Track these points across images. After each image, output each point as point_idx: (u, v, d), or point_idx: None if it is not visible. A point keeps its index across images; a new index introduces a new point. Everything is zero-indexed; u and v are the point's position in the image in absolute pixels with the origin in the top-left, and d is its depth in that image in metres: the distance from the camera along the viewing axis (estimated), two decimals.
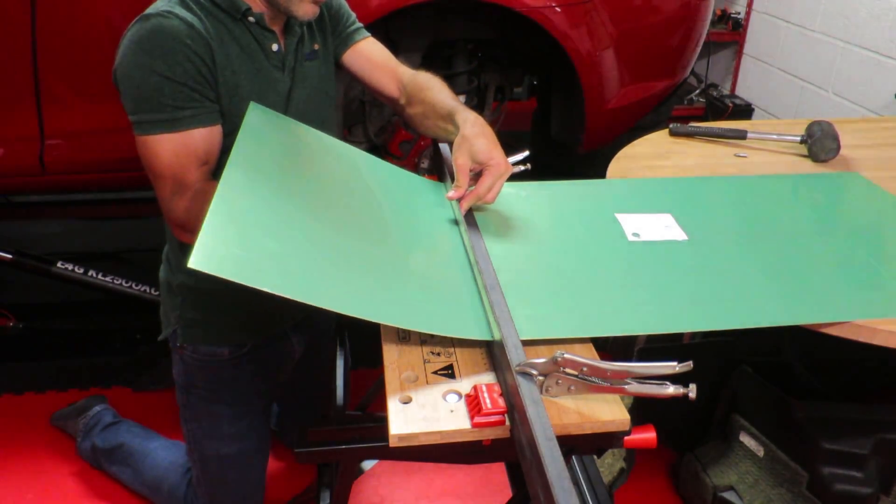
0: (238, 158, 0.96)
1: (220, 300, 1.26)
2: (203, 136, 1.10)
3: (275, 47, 1.19)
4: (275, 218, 0.91)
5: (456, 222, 1.13)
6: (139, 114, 1.07)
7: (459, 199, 1.11)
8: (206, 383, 1.35)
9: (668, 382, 0.77)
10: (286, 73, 1.23)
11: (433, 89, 1.29)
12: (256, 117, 1.10)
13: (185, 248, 1.24)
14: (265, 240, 0.86)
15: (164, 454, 1.62)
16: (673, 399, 0.77)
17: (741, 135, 1.66)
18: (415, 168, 2.32)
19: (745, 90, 3.87)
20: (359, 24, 1.38)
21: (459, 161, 1.10)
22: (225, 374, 1.33)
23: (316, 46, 1.29)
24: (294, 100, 1.25)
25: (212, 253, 0.77)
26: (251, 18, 1.15)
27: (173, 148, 1.08)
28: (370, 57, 1.37)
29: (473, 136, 1.11)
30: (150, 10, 1.08)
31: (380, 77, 1.37)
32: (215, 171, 1.14)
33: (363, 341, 0.87)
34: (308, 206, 0.99)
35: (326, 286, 0.85)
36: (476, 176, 1.12)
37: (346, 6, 1.37)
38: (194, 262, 0.74)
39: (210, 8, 1.13)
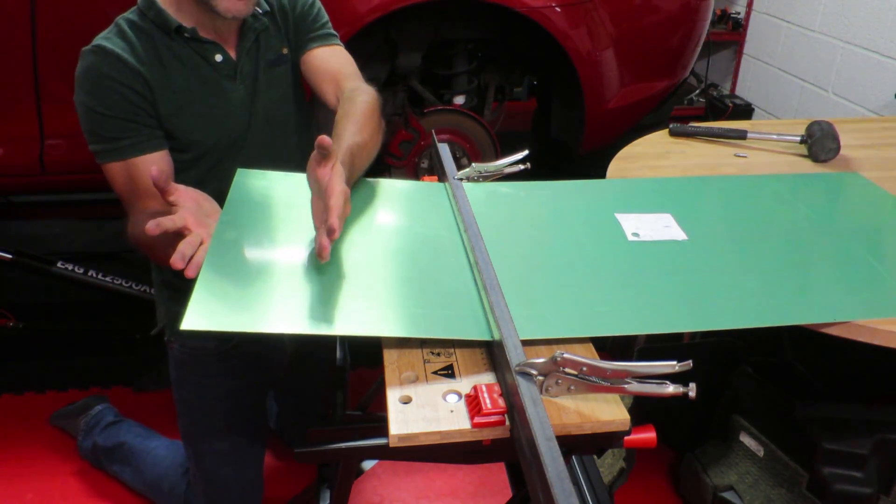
0: (225, 222, 1.02)
1: None
2: (146, 163, 1.15)
3: (218, 58, 1.21)
4: (264, 266, 0.96)
5: (455, 223, 1.13)
6: (91, 144, 1.16)
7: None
8: (195, 377, 1.36)
9: (667, 382, 0.77)
10: (240, 81, 1.24)
11: (350, 117, 1.16)
12: (242, 181, 1.16)
13: None
14: (253, 287, 0.91)
15: (164, 453, 1.63)
16: (673, 398, 0.77)
17: (741, 135, 1.65)
18: (415, 168, 2.33)
19: (745, 90, 3.87)
20: (325, 31, 1.33)
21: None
22: (213, 368, 1.34)
23: (284, 51, 1.30)
24: (259, 107, 1.26)
25: (202, 313, 0.83)
26: (186, 34, 1.18)
27: (122, 174, 1.16)
28: (321, 63, 1.31)
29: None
30: (91, 44, 1.15)
31: (321, 85, 1.31)
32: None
33: (363, 341, 0.87)
34: (299, 248, 1.02)
35: (320, 315, 0.88)
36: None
37: (320, 11, 1.34)
38: (187, 324, 0.80)
39: (147, 28, 1.17)
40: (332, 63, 1.31)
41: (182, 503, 1.54)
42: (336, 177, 0.92)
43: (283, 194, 1.16)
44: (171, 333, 1.34)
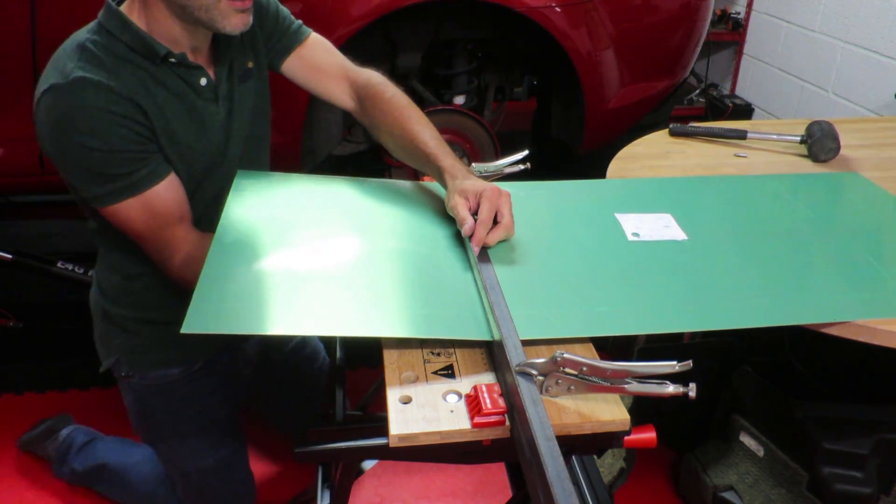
0: (226, 224, 1.03)
1: (164, 326, 1.22)
2: (166, 188, 1.08)
3: (203, 81, 1.11)
4: (264, 268, 0.96)
5: (455, 223, 1.13)
6: (94, 188, 1.04)
7: (474, 238, 1.01)
8: (162, 405, 1.31)
9: (667, 382, 0.77)
10: (221, 102, 1.15)
11: (408, 117, 1.17)
12: (243, 181, 1.16)
13: (126, 284, 1.23)
14: (253, 290, 0.91)
15: (149, 468, 1.56)
16: (673, 398, 0.77)
17: (741, 135, 1.65)
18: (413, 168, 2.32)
19: (745, 90, 3.87)
20: (296, 25, 1.24)
21: (452, 203, 1.03)
22: (180, 393, 1.30)
23: (250, 65, 1.20)
24: (235, 126, 1.19)
25: (203, 315, 0.83)
26: (172, 59, 1.07)
27: (143, 210, 1.06)
28: (314, 63, 1.24)
29: (459, 184, 1.05)
30: (57, 78, 0.99)
31: (327, 85, 1.25)
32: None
33: (363, 342, 0.87)
34: (300, 249, 1.02)
35: (319, 315, 0.89)
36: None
37: (282, 9, 1.24)
38: (187, 327, 0.80)
39: (127, 55, 1.04)
40: (323, 60, 1.25)
41: None
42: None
43: (281, 195, 1.16)
44: (130, 367, 1.26)
